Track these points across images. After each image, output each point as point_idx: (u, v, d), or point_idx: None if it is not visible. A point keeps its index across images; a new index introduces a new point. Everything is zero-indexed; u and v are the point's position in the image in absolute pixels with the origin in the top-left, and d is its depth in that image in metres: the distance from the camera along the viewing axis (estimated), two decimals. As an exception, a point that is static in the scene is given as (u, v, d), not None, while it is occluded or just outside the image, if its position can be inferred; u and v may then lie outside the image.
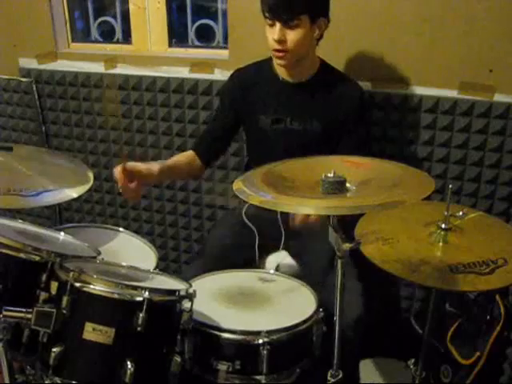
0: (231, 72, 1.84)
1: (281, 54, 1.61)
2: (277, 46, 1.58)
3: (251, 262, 1.75)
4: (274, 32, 1.57)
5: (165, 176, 1.75)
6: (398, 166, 1.25)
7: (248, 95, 1.76)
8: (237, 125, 1.83)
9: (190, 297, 1.29)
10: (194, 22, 2.30)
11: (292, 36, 1.56)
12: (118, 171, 1.53)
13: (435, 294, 1.50)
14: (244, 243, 1.75)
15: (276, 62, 1.67)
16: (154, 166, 1.63)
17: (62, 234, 1.59)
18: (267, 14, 1.57)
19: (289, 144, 1.71)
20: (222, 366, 1.30)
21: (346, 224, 1.24)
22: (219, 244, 1.79)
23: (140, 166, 1.58)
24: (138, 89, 2.27)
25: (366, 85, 1.90)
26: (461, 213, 1.39)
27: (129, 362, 1.15)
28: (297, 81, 1.71)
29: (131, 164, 1.56)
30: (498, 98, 1.81)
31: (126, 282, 1.20)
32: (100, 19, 2.45)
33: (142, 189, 1.60)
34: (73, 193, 1.46)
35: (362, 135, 1.78)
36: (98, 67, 2.32)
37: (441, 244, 1.33)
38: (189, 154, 1.81)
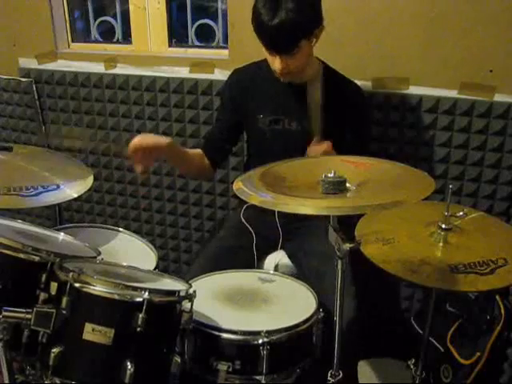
0: (231, 72, 1.84)
1: (283, 76, 1.62)
2: (279, 72, 1.59)
3: (250, 263, 1.75)
4: (275, 61, 1.56)
5: (175, 154, 1.70)
6: (398, 166, 1.25)
7: (247, 95, 1.76)
8: (239, 124, 1.83)
9: (190, 297, 1.29)
10: (193, 21, 2.30)
11: (294, 62, 1.56)
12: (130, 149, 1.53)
13: (435, 294, 1.49)
14: (242, 244, 1.75)
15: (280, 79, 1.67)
16: (164, 139, 1.61)
17: (62, 234, 1.58)
18: (264, 46, 1.56)
19: (287, 144, 1.71)
20: (222, 366, 1.30)
21: (346, 224, 1.24)
22: (218, 246, 1.79)
23: (148, 139, 1.56)
24: (137, 89, 2.27)
25: (366, 85, 1.90)
26: (461, 213, 1.39)
27: (128, 363, 1.15)
28: (296, 82, 1.71)
29: (140, 140, 1.54)
30: (498, 97, 1.81)
31: (126, 283, 1.20)
32: (100, 19, 2.45)
33: (151, 161, 1.57)
34: (73, 193, 1.45)
35: (362, 136, 1.78)
36: (98, 67, 2.32)
37: (441, 244, 1.33)
38: (199, 151, 1.81)
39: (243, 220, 1.79)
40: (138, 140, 1.54)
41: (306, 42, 1.54)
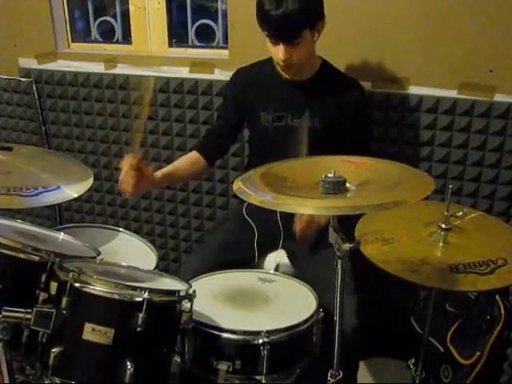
0: (231, 72, 1.84)
1: (287, 68, 1.64)
2: (282, 63, 1.61)
3: (251, 258, 1.76)
4: (278, 51, 1.58)
5: (166, 182, 1.77)
6: (397, 166, 1.25)
7: (250, 93, 1.77)
8: (240, 122, 1.85)
9: (190, 297, 1.29)
10: (193, 21, 2.30)
11: (297, 52, 1.58)
12: (125, 162, 1.55)
13: (435, 293, 1.49)
14: (244, 239, 1.76)
15: (282, 73, 1.68)
16: (156, 175, 1.65)
17: (62, 234, 1.59)
18: (268, 35, 1.58)
19: (290, 141, 1.71)
20: (222, 366, 1.30)
21: (346, 224, 1.24)
22: (219, 238, 1.80)
23: (145, 168, 1.59)
24: (137, 89, 2.27)
25: (366, 85, 1.89)
26: (461, 213, 1.39)
27: (128, 363, 1.15)
28: (298, 79, 1.71)
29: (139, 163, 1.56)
30: (498, 97, 1.81)
31: (126, 283, 1.20)
32: (100, 19, 2.45)
33: (141, 189, 1.61)
34: (73, 193, 1.45)
35: (363, 134, 1.78)
36: (98, 67, 2.32)
37: (441, 244, 1.33)
38: (191, 155, 1.81)
39: (245, 215, 1.79)
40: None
41: (308, 34, 1.56)
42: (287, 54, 1.57)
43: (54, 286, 1.21)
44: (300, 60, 1.60)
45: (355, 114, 1.72)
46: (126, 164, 1.55)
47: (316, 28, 1.58)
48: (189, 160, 1.80)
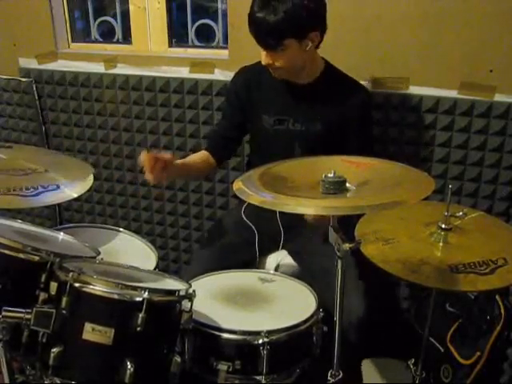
0: (231, 72, 1.85)
1: (273, 72, 1.64)
2: (267, 66, 1.61)
3: (251, 260, 1.75)
4: (262, 54, 1.59)
5: (184, 171, 1.74)
6: (398, 166, 1.25)
7: (252, 94, 1.76)
8: (244, 123, 1.83)
9: (190, 297, 1.29)
10: (193, 21, 2.30)
11: (279, 60, 1.58)
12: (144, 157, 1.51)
13: (435, 294, 1.50)
14: (244, 241, 1.77)
15: None
16: (177, 162, 1.64)
17: (62, 234, 1.59)
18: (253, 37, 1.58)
19: (290, 145, 1.71)
20: (222, 366, 1.31)
21: (346, 224, 1.24)
22: (220, 240, 1.80)
23: (163, 154, 1.56)
24: (137, 89, 2.26)
25: (366, 85, 1.90)
26: (461, 213, 1.39)
27: (128, 363, 1.15)
28: (300, 83, 1.71)
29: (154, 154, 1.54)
30: (498, 98, 1.81)
31: (126, 283, 1.20)
32: (100, 19, 2.45)
33: (167, 175, 1.55)
34: (73, 193, 1.45)
35: (366, 137, 1.77)
36: (98, 67, 2.32)
37: (441, 244, 1.33)
38: (202, 153, 1.81)
39: (244, 217, 1.79)
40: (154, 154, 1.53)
41: (294, 43, 1.53)
42: (268, 60, 1.58)
43: (53, 285, 1.21)
44: (284, 67, 1.59)
45: (358, 117, 1.71)
46: (147, 160, 1.50)
47: (307, 37, 1.55)
48: (201, 157, 1.80)
